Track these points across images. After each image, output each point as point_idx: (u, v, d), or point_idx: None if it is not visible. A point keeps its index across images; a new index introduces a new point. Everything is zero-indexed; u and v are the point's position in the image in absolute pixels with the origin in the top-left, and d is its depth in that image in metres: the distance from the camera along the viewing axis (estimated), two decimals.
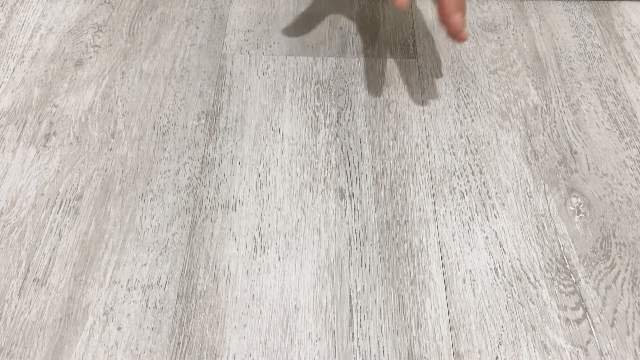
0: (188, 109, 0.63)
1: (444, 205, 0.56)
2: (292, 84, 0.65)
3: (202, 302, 0.49)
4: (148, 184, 0.57)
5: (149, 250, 0.52)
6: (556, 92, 0.65)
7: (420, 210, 0.55)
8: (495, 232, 0.54)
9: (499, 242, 0.53)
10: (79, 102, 0.63)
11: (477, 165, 0.59)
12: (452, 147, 0.60)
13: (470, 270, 0.52)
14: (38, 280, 0.51)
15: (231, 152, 0.59)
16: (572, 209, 0.56)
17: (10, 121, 0.62)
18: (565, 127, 0.62)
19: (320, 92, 0.65)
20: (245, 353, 0.47)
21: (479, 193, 0.57)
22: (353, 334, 0.48)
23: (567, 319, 0.49)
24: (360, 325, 0.48)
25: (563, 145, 0.61)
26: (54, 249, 0.52)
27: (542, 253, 0.53)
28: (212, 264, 0.52)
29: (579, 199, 0.56)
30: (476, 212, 0.55)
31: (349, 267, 0.52)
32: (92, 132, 0.61)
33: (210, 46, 0.69)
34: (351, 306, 0.49)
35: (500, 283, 0.51)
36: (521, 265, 0.52)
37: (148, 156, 0.59)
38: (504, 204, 0.56)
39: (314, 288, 0.50)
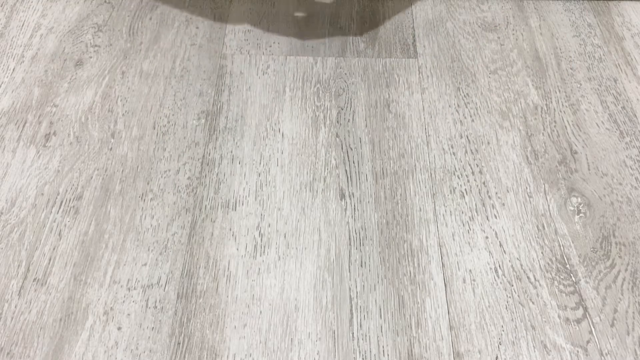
0: (188, 109, 0.63)
1: (444, 205, 0.56)
2: (292, 84, 0.65)
3: (202, 302, 0.49)
4: (148, 183, 0.57)
5: (149, 250, 0.52)
6: (556, 92, 0.65)
7: (420, 210, 0.55)
8: (495, 232, 0.54)
9: (499, 242, 0.53)
10: (79, 102, 0.63)
11: (477, 165, 0.59)
12: (452, 147, 0.60)
13: (470, 270, 0.52)
14: (38, 280, 0.51)
15: (231, 152, 0.59)
16: (572, 208, 0.56)
17: (10, 121, 0.62)
18: (565, 127, 0.62)
19: (320, 92, 0.65)
20: (245, 353, 0.47)
21: (479, 193, 0.57)
22: (353, 333, 0.48)
23: (567, 319, 0.49)
24: (360, 325, 0.48)
25: (563, 145, 0.61)
26: (54, 249, 0.52)
27: (542, 253, 0.53)
28: (212, 263, 0.52)
29: (579, 199, 0.56)
30: (476, 212, 0.55)
31: (349, 267, 0.52)
32: (92, 132, 0.61)
33: (210, 46, 0.69)
34: (351, 306, 0.49)
35: (500, 283, 0.51)
36: (521, 265, 0.52)
37: (148, 156, 0.59)
38: (504, 204, 0.56)
39: (314, 288, 0.50)
